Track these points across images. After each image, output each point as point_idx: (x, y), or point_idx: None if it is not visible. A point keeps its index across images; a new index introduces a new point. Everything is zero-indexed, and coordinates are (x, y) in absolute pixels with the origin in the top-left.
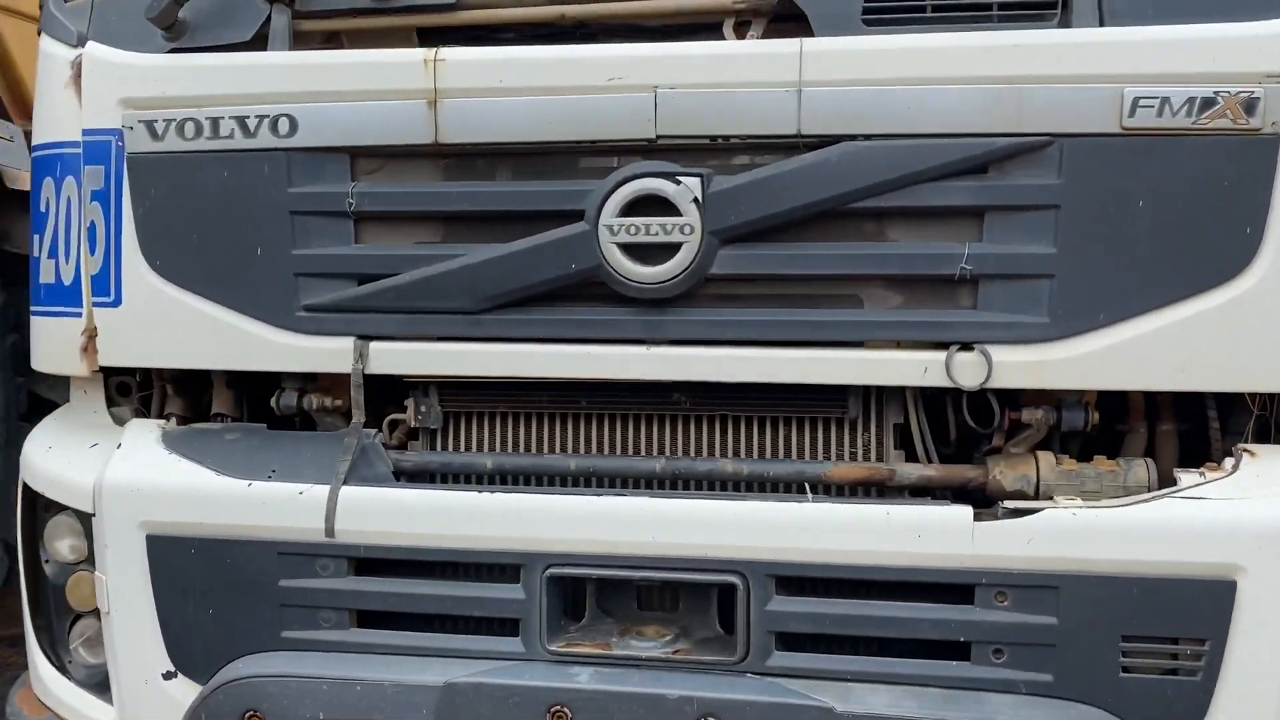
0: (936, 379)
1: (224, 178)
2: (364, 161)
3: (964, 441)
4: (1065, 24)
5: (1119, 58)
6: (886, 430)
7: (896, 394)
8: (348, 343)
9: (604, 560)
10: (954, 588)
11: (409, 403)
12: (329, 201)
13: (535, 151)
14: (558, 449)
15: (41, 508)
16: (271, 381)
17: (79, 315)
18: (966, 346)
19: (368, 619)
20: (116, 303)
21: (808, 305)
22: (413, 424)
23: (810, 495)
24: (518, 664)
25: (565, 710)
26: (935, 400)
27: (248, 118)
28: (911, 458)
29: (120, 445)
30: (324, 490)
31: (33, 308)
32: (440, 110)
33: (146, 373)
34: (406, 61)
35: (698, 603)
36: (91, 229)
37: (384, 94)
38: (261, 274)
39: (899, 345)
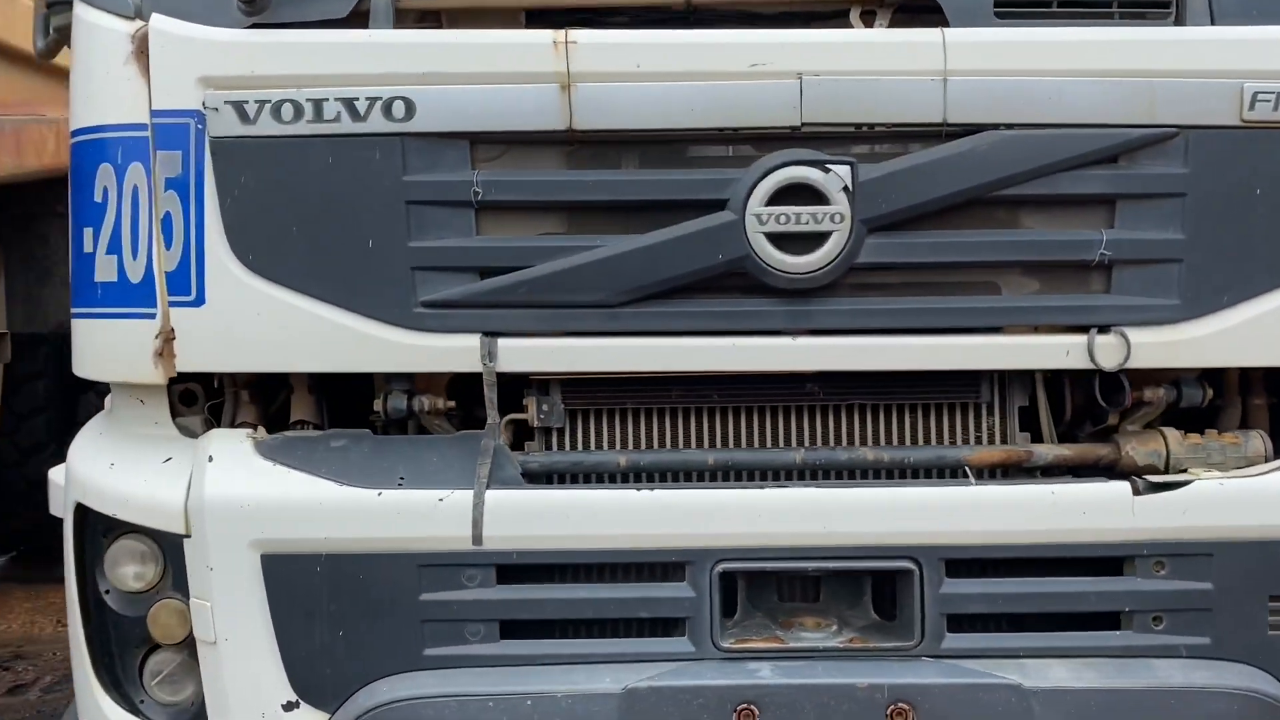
0: (1079, 361)
1: (328, 164)
2: (483, 148)
3: (1075, 422)
4: (1179, 21)
5: (1239, 55)
6: (1011, 413)
7: (1022, 378)
8: (472, 340)
9: (777, 553)
10: (1104, 560)
11: (528, 401)
12: (450, 190)
13: (667, 139)
14: (686, 444)
15: (100, 532)
16: (353, 386)
17: (152, 317)
18: (1103, 329)
19: (510, 629)
20: (198, 302)
21: (944, 293)
22: (535, 424)
23: (973, 479)
24: (691, 664)
25: (752, 708)
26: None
27: (356, 100)
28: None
29: (211, 458)
30: (466, 496)
31: (79, 309)
32: (574, 95)
33: (210, 380)
34: (534, 43)
35: (843, 591)
36: (166, 221)
37: (509, 77)
38: (374, 268)
39: (1035, 330)
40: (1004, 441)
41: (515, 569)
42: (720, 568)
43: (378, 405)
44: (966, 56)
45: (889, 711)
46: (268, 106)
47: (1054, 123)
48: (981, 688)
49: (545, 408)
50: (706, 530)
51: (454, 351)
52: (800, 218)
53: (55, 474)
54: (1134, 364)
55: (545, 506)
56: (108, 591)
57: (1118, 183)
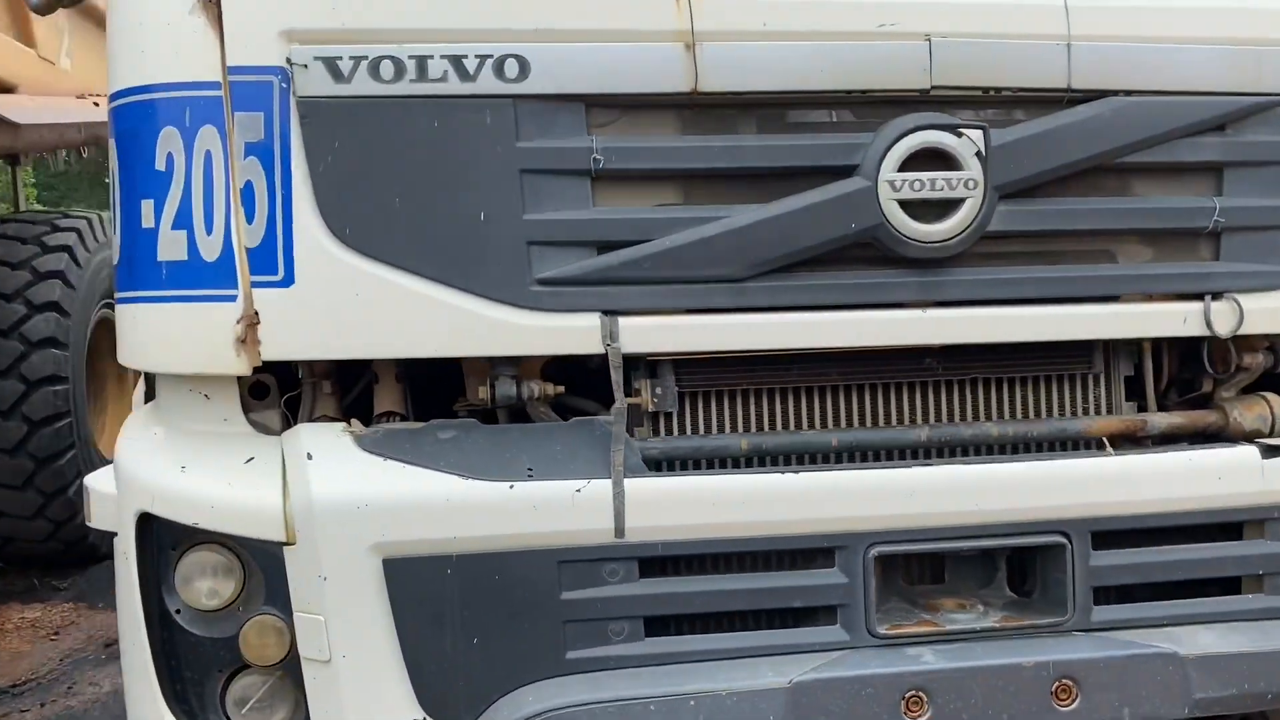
0: (1195, 328)
1: (434, 129)
2: (598, 113)
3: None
4: None
5: None
6: (1117, 383)
7: (1128, 348)
8: (590, 320)
9: (930, 533)
10: (1235, 525)
11: (642, 384)
12: (567, 158)
13: (791, 103)
14: (800, 425)
15: (169, 544)
16: (434, 374)
17: (232, 299)
18: (1215, 296)
19: (652, 626)
20: (286, 281)
21: (1064, 262)
22: (649, 408)
23: (1111, 450)
24: (852, 654)
25: (921, 695)
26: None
27: (465, 58)
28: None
29: (310, 456)
30: (604, 485)
31: (133, 293)
32: (699, 55)
33: (284, 370)
34: None
35: (974, 570)
36: (247, 191)
37: (630, 35)
38: (486, 243)
39: (1149, 298)
40: (1110, 411)
41: (658, 562)
42: (875, 551)
43: (482, 393)
44: (1089, 21)
45: (1054, 688)
46: (365, 64)
47: (1169, 90)
48: (1140, 658)
49: (659, 391)
50: (860, 513)
51: (571, 332)
52: (935, 184)
53: (97, 481)
54: (1245, 330)
55: (689, 494)
56: (178, 611)
57: (1226, 150)
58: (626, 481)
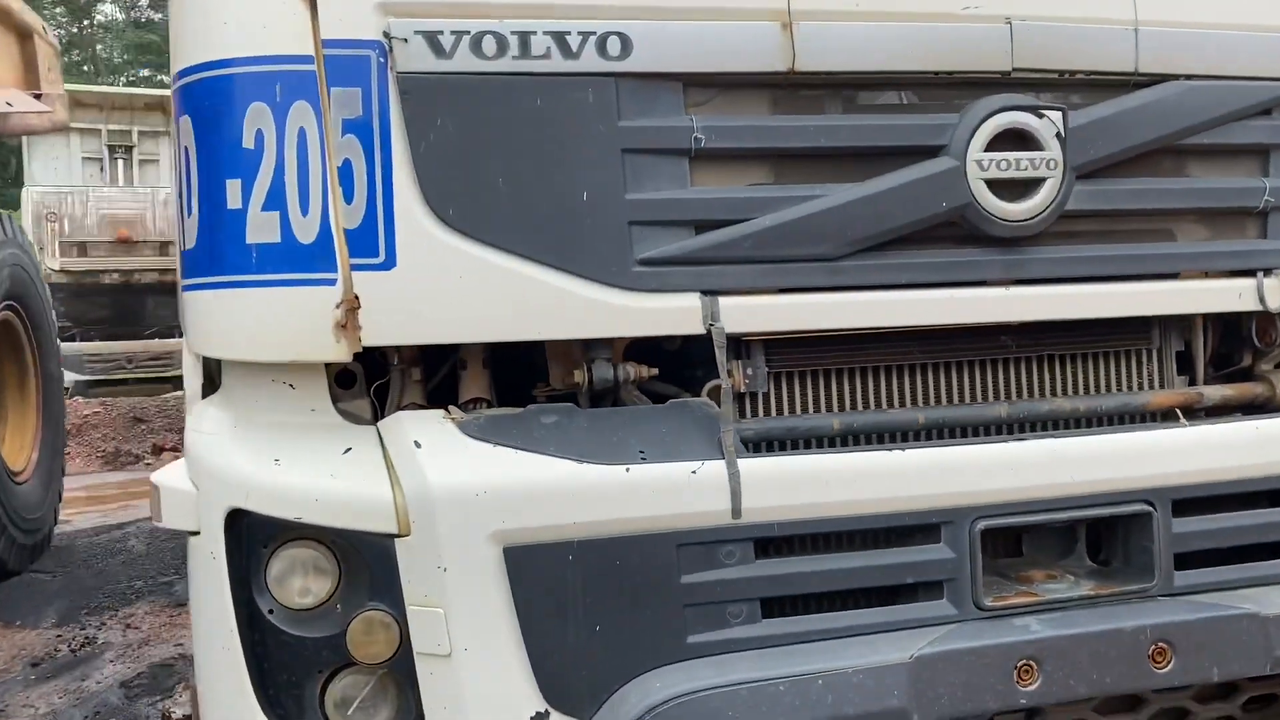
0: (1249, 303)
1: (536, 107)
2: (695, 92)
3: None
4: None
5: None
6: (1169, 358)
7: (1179, 324)
8: (689, 300)
9: (1029, 506)
10: None
11: (734, 365)
12: (668, 137)
13: (880, 83)
14: (880, 404)
15: (260, 541)
16: (512, 360)
17: (331, 282)
18: (1267, 272)
19: (767, 608)
20: (388, 264)
21: (1127, 240)
22: (742, 389)
23: (1186, 422)
24: (964, 626)
25: (1031, 663)
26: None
27: (568, 34)
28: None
29: (418, 444)
30: (718, 467)
31: (215, 278)
32: (796, 34)
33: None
34: None
35: (1050, 542)
36: (345, 170)
37: (727, 13)
38: (588, 223)
39: (1205, 275)
40: (1162, 385)
41: (772, 542)
42: (981, 525)
43: (578, 377)
44: (1154, 6)
45: (1151, 651)
46: (466, 39)
47: (1225, 75)
48: (1226, 620)
49: (750, 371)
50: (966, 488)
51: (671, 313)
52: (1020, 164)
53: (168, 478)
54: None
55: (802, 473)
56: (271, 611)
57: (1273, 133)
58: (740, 462)
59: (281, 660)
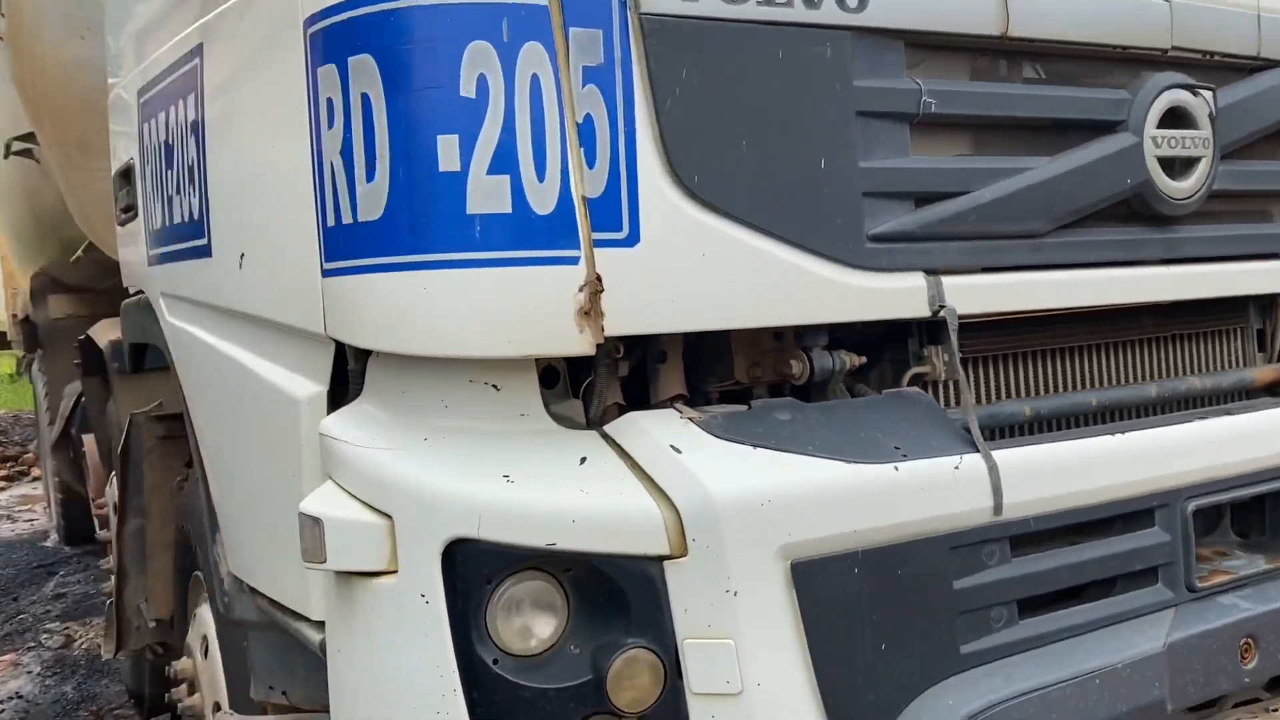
0: None
1: (778, 62)
2: (912, 52)
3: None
4: None
5: None
6: (1250, 336)
7: (1259, 303)
8: (914, 280)
9: (1232, 483)
10: None
11: (931, 351)
12: (895, 100)
13: (1072, 54)
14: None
15: (483, 579)
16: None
17: (573, 261)
18: None
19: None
20: (630, 240)
21: (1248, 220)
22: (940, 376)
23: None
24: (1188, 608)
25: (1250, 640)
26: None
27: None
28: None
29: (677, 449)
30: (975, 461)
31: (418, 257)
32: None
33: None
34: None
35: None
36: (586, 128)
37: None
38: (825, 194)
39: None
40: (1245, 364)
41: (1025, 539)
42: (1193, 505)
43: (797, 368)
44: None
45: None
46: None
47: None
48: None
49: (947, 357)
50: (1178, 469)
51: (898, 294)
52: (1184, 142)
53: (328, 508)
54: None
55: (1048, 463)
56: (495, 661)
57: None
58: (995, 454)
59: (517, 713)
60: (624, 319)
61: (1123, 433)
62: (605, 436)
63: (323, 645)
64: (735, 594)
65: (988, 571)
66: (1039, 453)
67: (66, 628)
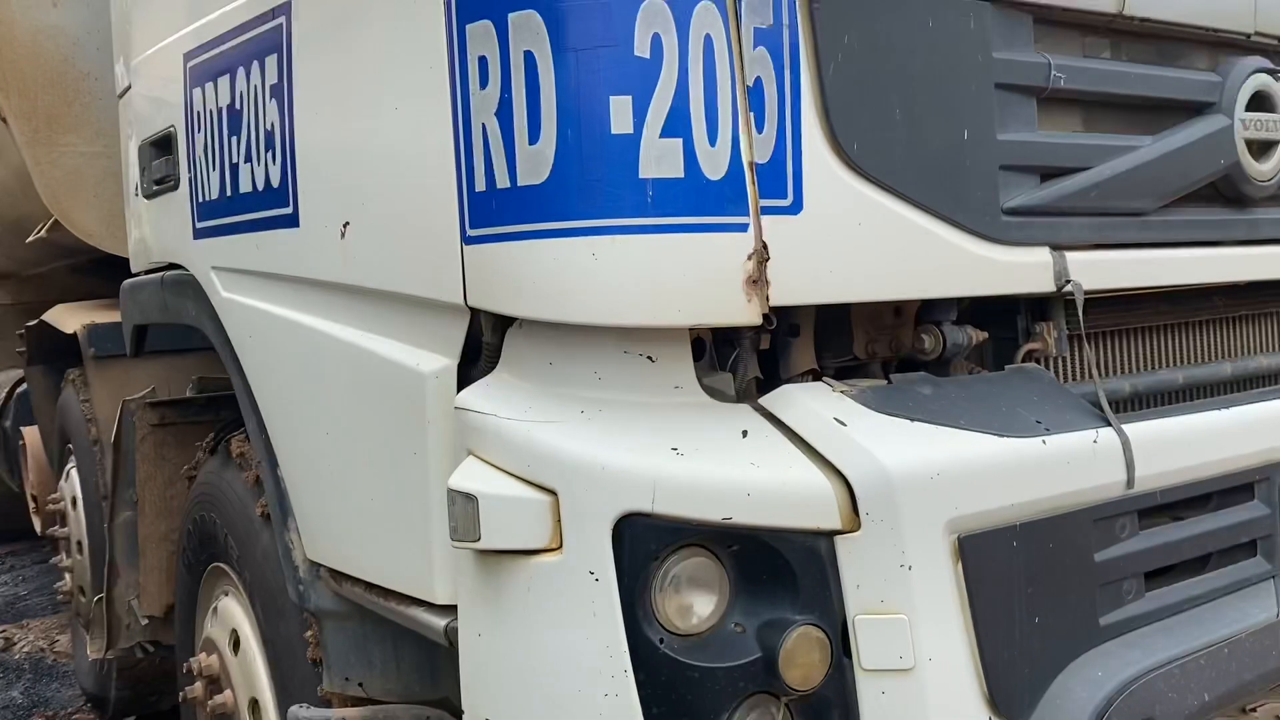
0: None
1: (928, 30)
2: (1036, 27)
3: None
4: None
5: None
6: None
7: None
8: (1040, 255)
9: None
10: None
11: (1043, 327)
12: (1028, 74)
13: (1174, 35)
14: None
15: (650, 555)
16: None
17: (743, 229)
18: None
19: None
20: (794, 208)
21: None
22: (1053, 352)
23: None
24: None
25: None
26: None
27: None
28: None
29: (841, 422)
30: (1109, 435)
31: (585, 223)
32: None
33: None
34: None
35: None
36: (755, 91)
37: None
38: (968, 166)
39: None
40: None
41: (1149, 512)
42: None
43: (930, 344)
44: None
45: None
46: None
47: None
48: None
49: (1056, 334)
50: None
51: (1027, 269)
52: (1269, 125)
53: (484, 484)
54: None
55: (1173, 437)
56: (661, 640)
57: None
58: (1126, 427)
59: (680, 702)
60: (788, 288)
61: (1227, 408)
62: (760, 410)
63: (448, 630)
64: (909, 568)
65: (1121, 544)
66: (1163, 427)
67: (4, 630)
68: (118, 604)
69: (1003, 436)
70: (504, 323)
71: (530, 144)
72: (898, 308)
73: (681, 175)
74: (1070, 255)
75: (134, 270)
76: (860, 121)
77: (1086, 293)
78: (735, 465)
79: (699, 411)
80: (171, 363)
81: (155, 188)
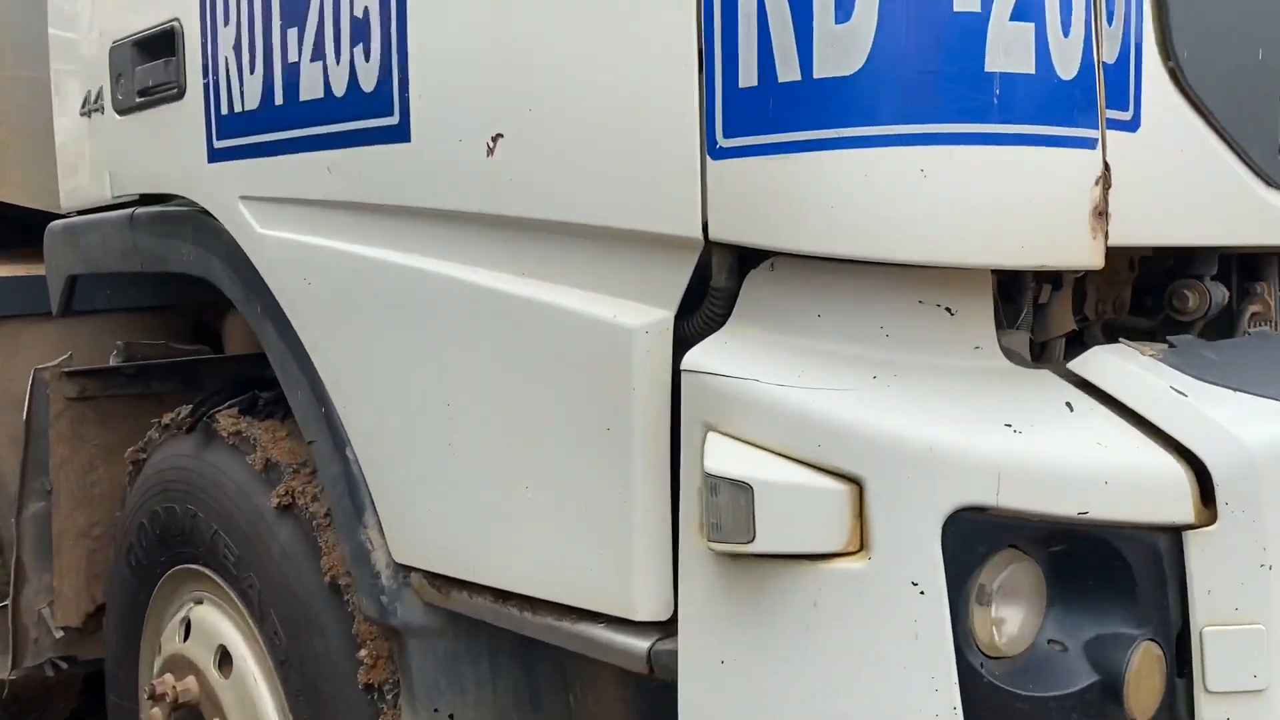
0: None
1: None
2: None
3: None
4: None
5: None
6: None
7: None
8: None
9: None
10: None
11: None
12: None
13: None
14: None
15: (974, 560)
16: None
17: (1092, 144)
18: None
19: None
20: (1133, 124)
21: None
22: (1274, 315)
23: None
24: None
25: None
26: None
27: None
28: None
29: (1183, 393)
30: None
31: (915, 128)
32: None
33: None
34: None
35: None
36: None
37: None
38: (1271, 97)
39: None
40: None
41: None
42: None
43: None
44: None
45: None
46: None
47: None
48: None
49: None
50: None
51: None
52: None
53: (757, 470)
54: None
55: None
56: (982, 665)
57: None
58: None
59: None
60: (1126, 226)
61: None
62: (1071, 377)
63: (652, 654)
64: (1270, 568)
65: None
66: None
67: None
68: (24, 614)
69: None
70: (742, 264)
71: (837, 21)
72: (1134, 259)
73: (1032, 70)
74: None
75: (67, 208)
76: (1190, 31)
77: None
78: (1084, 447)
79: (1006, 379)
80: (71, 325)
81: (139, 99)
